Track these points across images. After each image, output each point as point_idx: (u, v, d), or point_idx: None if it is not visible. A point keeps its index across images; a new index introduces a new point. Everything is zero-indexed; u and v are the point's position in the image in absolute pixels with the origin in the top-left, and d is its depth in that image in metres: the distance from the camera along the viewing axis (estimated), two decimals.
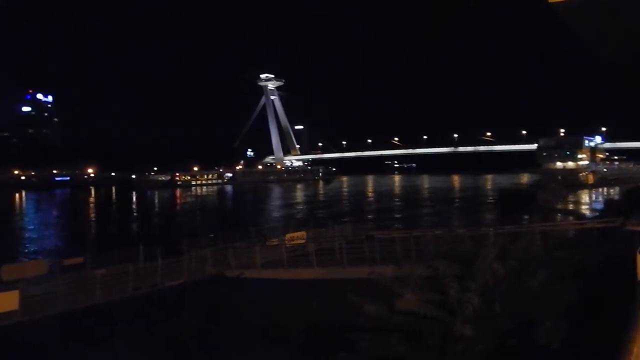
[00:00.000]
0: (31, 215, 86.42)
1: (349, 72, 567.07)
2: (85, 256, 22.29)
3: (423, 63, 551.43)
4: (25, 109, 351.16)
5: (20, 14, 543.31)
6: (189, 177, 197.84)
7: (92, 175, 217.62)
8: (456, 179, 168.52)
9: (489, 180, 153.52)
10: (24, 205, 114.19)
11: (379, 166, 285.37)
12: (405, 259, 17.35)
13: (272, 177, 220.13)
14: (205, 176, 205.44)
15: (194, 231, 42.25)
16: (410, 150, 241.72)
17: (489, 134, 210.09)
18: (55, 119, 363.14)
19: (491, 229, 21.60)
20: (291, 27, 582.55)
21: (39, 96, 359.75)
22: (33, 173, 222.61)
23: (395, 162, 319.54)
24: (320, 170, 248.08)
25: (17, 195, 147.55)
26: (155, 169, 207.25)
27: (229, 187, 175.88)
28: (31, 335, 15.38)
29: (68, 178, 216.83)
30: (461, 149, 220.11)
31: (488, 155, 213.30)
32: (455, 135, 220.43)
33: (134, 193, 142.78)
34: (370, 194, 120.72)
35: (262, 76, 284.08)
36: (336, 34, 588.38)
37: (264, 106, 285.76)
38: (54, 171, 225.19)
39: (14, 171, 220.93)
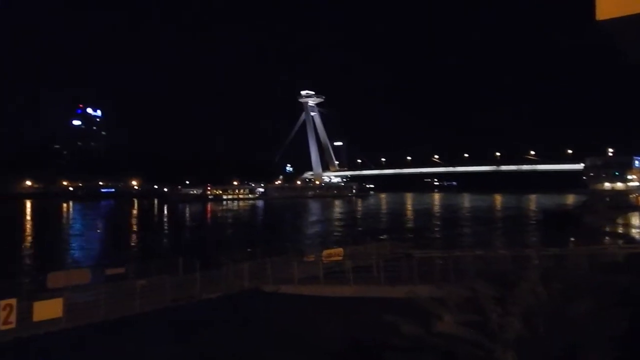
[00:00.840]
0: (77, 225, 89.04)
1: (389, 89, 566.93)
2: (127, 266, 22.80)
3: (465, 80, 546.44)
4: (76, 122, 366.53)
5: (75, 35, 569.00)
6: (220, 191, 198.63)
7: (135, 187, 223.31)
8: (498, 199, 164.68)
9: (533, 201, 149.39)
10: (70, 215, 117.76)
11: (419, 184, 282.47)
12: (445, 279, 16.99)
13: (306, 193, 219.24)
14: (237, 190, 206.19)
15: (231, 245, 42.73)
16: (451, 168, 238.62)
17: (532, 152, 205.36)
18: (103, 132, 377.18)
19: (535, 250, 20.97)
20: (332, 44, 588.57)
21: (89, 110, 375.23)
22: (80, 184, 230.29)
23: (435, 179, 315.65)
24: (354, 186, 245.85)
25: (64, 205, 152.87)
26: (188, 182, 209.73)
27: (260, 202, 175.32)
28: (73, 342, 15.71)
29: (113, 190, 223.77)
30: (504, 167, 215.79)
31: (532, 174, 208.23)
32: (498, 154, 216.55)
33: (165, 206, 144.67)
34: (408, 212, 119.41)
35: (303, 93, 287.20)
36: (377, 50, 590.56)
37: (304, 122, 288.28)
38: (100, 183, 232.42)
39: (62, 182, 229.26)
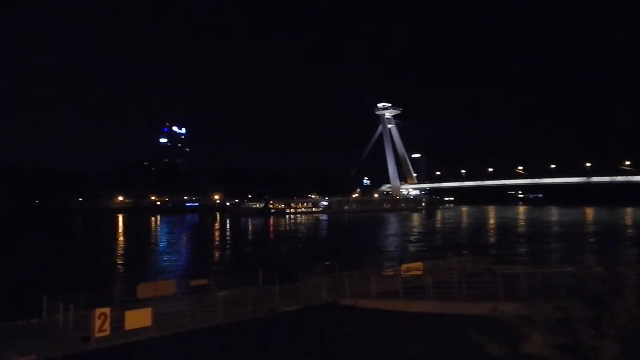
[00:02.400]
0: (163, 238, 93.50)
1: (469, 99, 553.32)
2: (210, 278, 23.57)
3: (551, 88, 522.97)
4: (163, 140, 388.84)
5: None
6: (282, 205, 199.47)
7: (218, 201, 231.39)
8: (589, 213, 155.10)
9: (629, 215, 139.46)
10: (158, 228, 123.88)
11: (502, 196, 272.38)
12: (532, 297, 16.14)
13: (372, 206, 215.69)
14: (300, 204, 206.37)
15: (307, 258, 43.08)
16: (537, 180, 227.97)
17: (628, 162, 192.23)
18: (187, 149, 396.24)
19: (632, 269, 19.48)
20: (409, 55, 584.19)
21: (175, 129, 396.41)
22: (167, 199, 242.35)
23: (520, 192, 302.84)
24: (424, 200, 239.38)
25: (153, 219, 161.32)
26: (250, 196, 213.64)
27: (324, 217, 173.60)
28: (163, 350, 16.58)
29: (197, 204, 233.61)
30: (595, 179, 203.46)
31: (627, 186, 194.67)
32: (589, 165, 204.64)
33: (227, 221, 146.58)
34: (491, 226, 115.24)
35: (380, 105, 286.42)
36: (455, 60, 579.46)
37: (381, 135, 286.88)
38: (185, 197, 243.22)
39: (151, 197, 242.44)
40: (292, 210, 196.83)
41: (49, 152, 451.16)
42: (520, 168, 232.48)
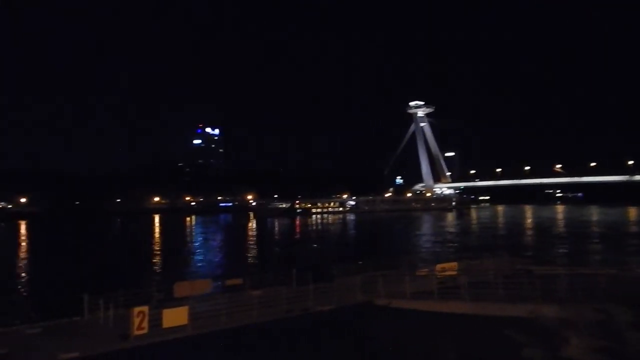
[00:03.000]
0: (198, 237, 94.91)
1: (505, 94, 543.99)
2: (244, 278, 23.83)
3: (590, 82, 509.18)
4: (197, 141, 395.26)
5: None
6: (309, 205, 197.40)
7: (251, 201, 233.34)
8: (632, 212, 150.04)
9: None
10: (192, 228, 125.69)
11: (539, 195, 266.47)
12: (571, 299, 15.74)
13: (399, 206, 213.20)
14: (328, 204, 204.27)
15: (340, 257, 43.11)
16: (576, 179, 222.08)
17: None
18: (221, 150, 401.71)
19: None
20: (440, 52, 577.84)
21: (208, 130, 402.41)
22: (201, 199, 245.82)
23: (558, 191, 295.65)
24: (454, 199, 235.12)
25: (187, 219, 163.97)
26: (276, 195, 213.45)
27: (351, 216, 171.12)
28: (201, 348, 16.92)
29: (230, 204, 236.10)
30: (638, 177, 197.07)
31: None
32: (631, 162, 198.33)
33: (254, 221, 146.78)
34: (528, 225, 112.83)
35: (412, 104, 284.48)
36: (492, 55, 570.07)
37: (414, 133, 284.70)
38: (219, 197, 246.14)
39: (186, 197, 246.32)
40: (319, 210, 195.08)
41: (86, 155, 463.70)
42: (559, 166, 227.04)
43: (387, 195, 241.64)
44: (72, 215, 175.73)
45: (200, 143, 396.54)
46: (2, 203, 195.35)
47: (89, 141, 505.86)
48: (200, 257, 60.23)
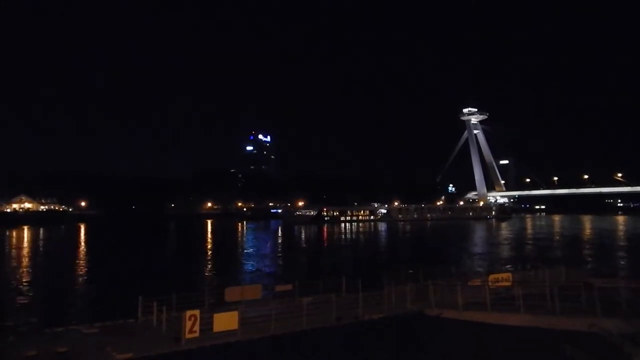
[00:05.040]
0: (249, 242, 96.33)
1: (564, 101, 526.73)
2: (294, 284, 23.86)
3: None
4: (249, 148, 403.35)
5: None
6: (337, 213, 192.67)
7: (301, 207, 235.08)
8: None
9: None
10: (244, 233, 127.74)
11: (598, 205, 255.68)
12: (635, 313, 14.91)
13: (435, 215, 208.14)
14: (359, 212, 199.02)
15: (387, 265, 42.81)
16: (638, 188, 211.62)
17: None
18: (272, 157, 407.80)
19: None
20: (495, 59, 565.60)
21: (260, 136, 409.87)
22: (252, 205, 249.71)
23: (619, 200, 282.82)
24: (494, 207, 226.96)
25: (239, 224, 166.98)
26: (301, 203, 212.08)
27: (383, 225, 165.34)
28: (250, 353, 17.16)
29: (280, 211, 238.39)
30: None
31: None
32: None
33: (279, 228, 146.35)
34: (586, 236, 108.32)
35: (465, 110, 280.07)
36: (543, 62, 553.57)
37: (467, 140, 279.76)
38: (270, 204, 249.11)
39: (238, 203, 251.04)
40: (347, 218, 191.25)
41: (143, 161, 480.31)
42: (620, 175, 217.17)
43: (438, 203, 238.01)
44: (129, 219, 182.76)
45: (252, 150, 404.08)
46: (63, 206, 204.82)
47: (147, 145, 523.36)
48: (249, 262, 60.96)
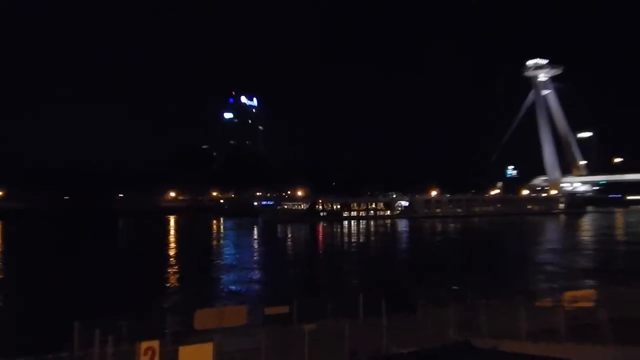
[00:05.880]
0: (228, 247, 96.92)
1: None
2: (292, 305, 23.25)
3: None
4: (227, 115, 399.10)
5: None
6: (337, 206, 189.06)
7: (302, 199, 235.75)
8: None
9: None
10: (221, 235, 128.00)
11: None
12: None
13: (478, 209, 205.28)
14: (369, 204, 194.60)
15: (426, 277, 43.00)
16: None
17: None
18: (261, 128, 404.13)
19: None
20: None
21: (243, 99, 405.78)
22: (233, 195, 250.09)
23: None
24: (561, 199, 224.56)
25: (214, 222, 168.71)
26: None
27: (403, 222, 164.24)
28: None
29: (272, 202, 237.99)
30: None
31: None
32: None
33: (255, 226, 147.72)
34: None
35: (530, 63, 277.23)
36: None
37: (533, 105, 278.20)
38: (257, 193, 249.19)
39: (212, 193, 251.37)
40: (353, 213, 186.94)
41: (87, 146, 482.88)
42: None
43: (493, 192, 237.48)
44: (60, 214, 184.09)
45: (232, 118, 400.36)
46: None
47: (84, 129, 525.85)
48: (230, 275, 61.33)
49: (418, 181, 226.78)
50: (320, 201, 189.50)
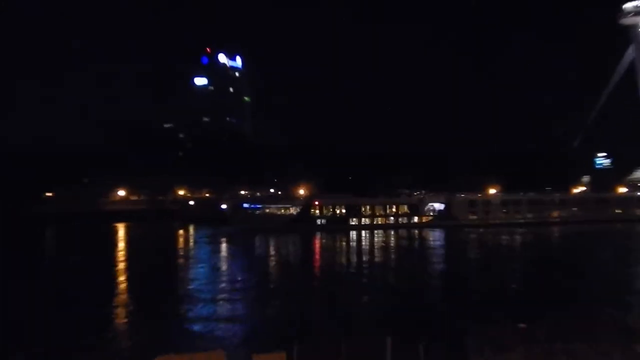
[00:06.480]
0: (199, 270, 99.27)
1: None
2: (290, 347, 23.50)
3: None
4: (200, 81, 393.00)
5: None
6: (342, 210, 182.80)
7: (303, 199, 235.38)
8: None
9: None
10: (190, 253, 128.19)
11: None
12: None
13: (557, 214, 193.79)
14: (386, 208, 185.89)
15: (478, 311, 44.72)
16: None
17: None
18: (246, 98, 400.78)
19: None
20: None
21: (222, 59, 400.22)
22: (207, 195, 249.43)
23: None
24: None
25: (180, 232, 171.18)
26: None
27: (437, 233, 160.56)
28: None
29: (259, 206, 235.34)
30: None
31: None
32: None
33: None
34: None
35: (629, 6, 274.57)
36: None
37: (633, 64, 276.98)
38: (242, 192, 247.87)
39: (178, 191, 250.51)
40: (365, 221, 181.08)
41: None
42: None
43: (576, 189, 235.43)
44: None
45: (206, 85, 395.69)
46: None
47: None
48: (205, 308, 62.49)
49: (462, 173, 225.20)
50: (316, 203, 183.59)
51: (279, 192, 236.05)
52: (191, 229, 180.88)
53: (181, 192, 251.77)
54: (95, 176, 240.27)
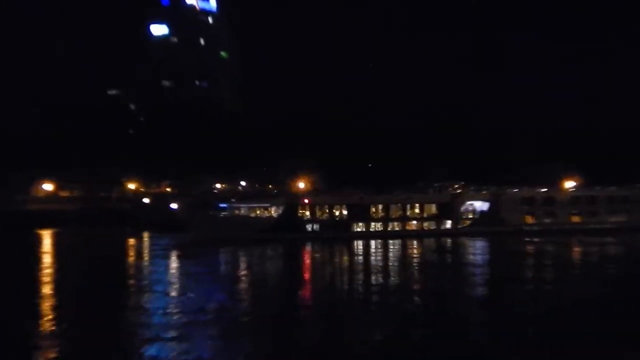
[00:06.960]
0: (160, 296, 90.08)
1: None
2: None
3: None
4: (159, 29, 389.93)
5: None
6: (343, 212, 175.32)
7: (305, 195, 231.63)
8: None
9: None
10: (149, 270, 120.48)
11: None
12: None
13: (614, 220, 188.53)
14: (404, 207, 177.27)
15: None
16: None
17: None
18: (223, 54, 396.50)
19: None
20: None
21: (189, 0, 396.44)
22: (169, 188, 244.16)
23: None
24: None
25: (130, 240, 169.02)
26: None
27: (478, 244, 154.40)
28: None
29: (226, 206, 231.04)
30: None
31: None
32: None
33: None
34: None
35: None
36: None
37: None
38: (217, 185, 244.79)
39: (127, 184, 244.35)
40: (375, 226, 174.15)
41: None
42: None
43: None
44: None
45: (167, 35, 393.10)
46: None
47: None
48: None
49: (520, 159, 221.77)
50: (306, 201, 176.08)
51: (268, 185, 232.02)
52: (145, 238, 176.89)
53: (132, 186, 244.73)
54: (16, 164, 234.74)
